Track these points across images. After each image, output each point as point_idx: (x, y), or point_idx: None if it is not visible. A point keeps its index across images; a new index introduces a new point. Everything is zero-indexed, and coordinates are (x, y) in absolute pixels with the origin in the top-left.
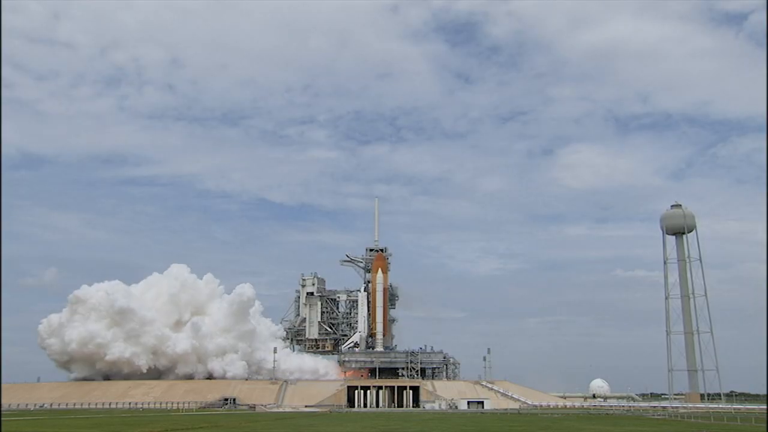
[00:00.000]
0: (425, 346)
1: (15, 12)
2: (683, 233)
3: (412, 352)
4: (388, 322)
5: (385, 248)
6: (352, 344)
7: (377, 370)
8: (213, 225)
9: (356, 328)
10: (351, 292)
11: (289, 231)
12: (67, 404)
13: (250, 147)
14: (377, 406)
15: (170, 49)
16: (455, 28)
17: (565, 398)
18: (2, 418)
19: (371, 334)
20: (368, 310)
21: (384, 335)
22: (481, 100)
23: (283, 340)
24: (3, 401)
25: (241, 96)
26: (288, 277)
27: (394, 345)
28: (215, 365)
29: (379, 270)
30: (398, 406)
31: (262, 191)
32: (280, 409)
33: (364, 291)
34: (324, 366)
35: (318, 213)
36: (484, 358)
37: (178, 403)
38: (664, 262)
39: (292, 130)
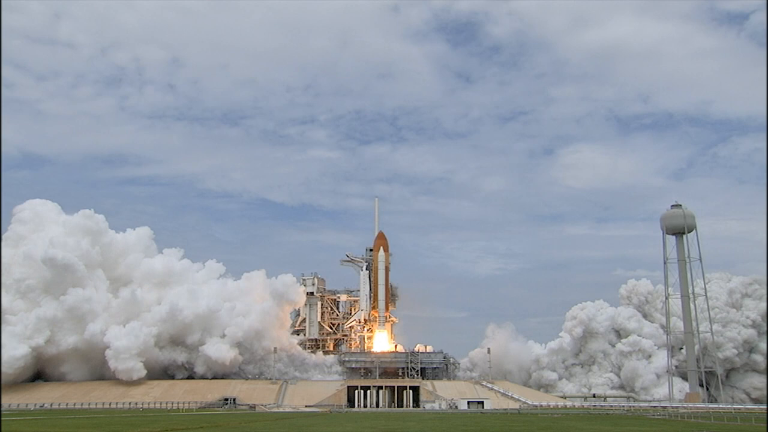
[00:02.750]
0: (425, 346)
1: (16, 12)
2: (683, 233)
3: (412, 352)
4: (389, 298)
5: (388, 247)
6: (355, 321)
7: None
8: (213, 225)
9: (357, 328)
10: (351, 292)
11: (290, 231)
12: (67, 404)
13: (250, 147)
14: (377, 406)
15: (171, 49)
16: (456, 28)
17: (565, 398)
18: (2, 418)
19: (372, 314)
20: (370, 289)
21: (386, 311)
22: (482, 100)
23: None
24: (3, 401)
25: (241, 96)
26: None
27: (394, 345)
28: (252, 368)
29: (381, 248)
30: (398, 406)
31: (263, 191)
32: (280, 409)
33: (366, 270)
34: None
35: (318, 213)
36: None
37: (178, 403)
38: (665, 262)
39: (293, 130)
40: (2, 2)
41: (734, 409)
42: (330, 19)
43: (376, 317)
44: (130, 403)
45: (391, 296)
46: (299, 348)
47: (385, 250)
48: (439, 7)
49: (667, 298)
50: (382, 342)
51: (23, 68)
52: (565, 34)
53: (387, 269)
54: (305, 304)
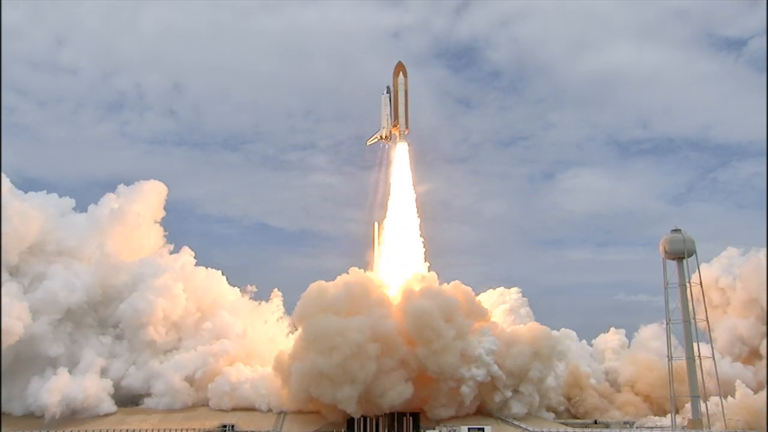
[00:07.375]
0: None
1: (17, 37)
2: (683, 258)
3: None
4: (408, 120)
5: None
6: (376, 139)
7: None
8: (213, 250)
9: None
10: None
11: (290, 256)
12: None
13: (251, 172)
14: (377, 431)
15: (172, 74)
16: (456, 54)
17: (566, 425)
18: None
19: (393, 131)
20: (391, 109)
21: (406, 131)
22: (482, 125)
23: None
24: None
25: (242, 121)
26: (288, 303)
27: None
28: None
29: (400, 73)
30: None
31: (263, 216)
32: None
33: (387, 93)
34: None
35: (318, 238)
36: None
37: (175, 430)
38: (665, 287)
39: (293, 156)
40: (3, 28)
41: None
42: (330, 44)
43: (397, 135)
44: (126, 430)
45: None
46: None
47: (405, 75)
48: (439, 33)
49: (668, 323)
50: (402, 154)
51: (24, 93)
52: (565, 59)
53: (406, 92)
54: None
